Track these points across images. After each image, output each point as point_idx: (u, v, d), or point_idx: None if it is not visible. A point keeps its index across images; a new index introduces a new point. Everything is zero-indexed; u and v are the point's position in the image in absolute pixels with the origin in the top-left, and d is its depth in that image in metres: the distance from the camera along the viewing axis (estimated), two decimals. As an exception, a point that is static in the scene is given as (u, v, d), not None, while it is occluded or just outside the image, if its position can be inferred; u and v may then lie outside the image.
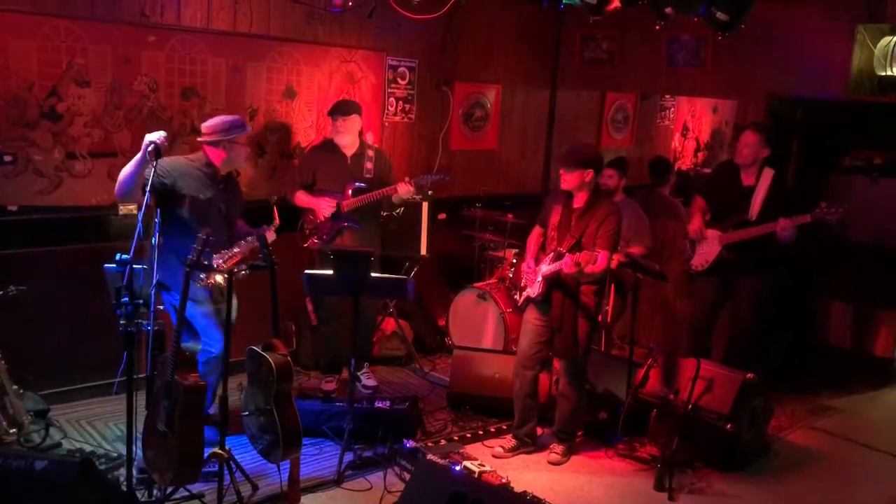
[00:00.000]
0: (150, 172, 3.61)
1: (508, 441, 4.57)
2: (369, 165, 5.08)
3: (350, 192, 4.97)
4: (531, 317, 4.46)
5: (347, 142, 5.04)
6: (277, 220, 4.17)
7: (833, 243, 6.00)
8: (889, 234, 6.15)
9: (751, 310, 5.13)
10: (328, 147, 5.12)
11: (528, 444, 4.56)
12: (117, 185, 3.86)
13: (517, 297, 4.62)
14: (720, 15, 4.39)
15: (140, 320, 3.39)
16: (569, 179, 4.27)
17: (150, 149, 3.63)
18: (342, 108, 5.03)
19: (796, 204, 4.85)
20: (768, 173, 5.01)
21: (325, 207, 4.97)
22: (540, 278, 4.29)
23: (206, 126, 4.13)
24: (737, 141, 5.20)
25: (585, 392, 4.62)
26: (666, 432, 4.42)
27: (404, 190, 4.93)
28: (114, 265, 3.38)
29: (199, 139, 4.18)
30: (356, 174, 5.04)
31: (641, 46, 6.36)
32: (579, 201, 4.31)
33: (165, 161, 3.90)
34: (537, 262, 4.39)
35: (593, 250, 4.02)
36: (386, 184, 5.03)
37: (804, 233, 4.84)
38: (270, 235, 4.05)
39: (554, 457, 4.48)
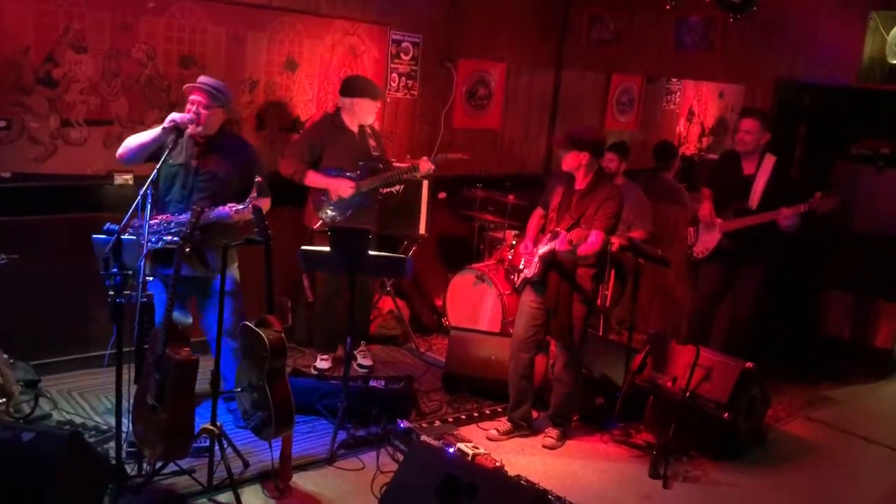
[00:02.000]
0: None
1: (503, 424, 4.53)
2: (372, 143, 5.01)
3: (360, 171, 4.87)
4: (528, 299, 4.42)
5: (371, 122, 4.99)
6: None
7: (831, 233, 5.93)
8: (892, 225, 6.08)
9: (750, 299, 5.09)
10: (335, 124, 4.97)
11: (523, 427, 4.52)
12: (124, 148, 3.87)
13: (515, 279, 4.57)
14: (733, -5, 4.32)
15: (129, 291, 3.34)
16: (566, 160, 4.25)
17: (167, 126, 3.67)
18: (381, 91, 4.97)
19: (798, 192, 4.78)
20: (769, 161, 4.94)
21: (343, 188, 4.83)
22: (536, 258, 4.24)
23: None
24: (735, 131, 5.11)
25: (582, 377, 4.58)
26: (662, 419, 4.38)
27: (426, 168, 4.89)
28: (102, 235, 3.33)
29: None
30: (364, 152, 4.95)
31: (650, 27, 6.24)
32: (581, 183, 4.26)
33: None
34: (536, 243, 4.34)
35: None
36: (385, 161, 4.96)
37: (805, 222, 4.77)
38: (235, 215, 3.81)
39: (548, 441, 4.45)
